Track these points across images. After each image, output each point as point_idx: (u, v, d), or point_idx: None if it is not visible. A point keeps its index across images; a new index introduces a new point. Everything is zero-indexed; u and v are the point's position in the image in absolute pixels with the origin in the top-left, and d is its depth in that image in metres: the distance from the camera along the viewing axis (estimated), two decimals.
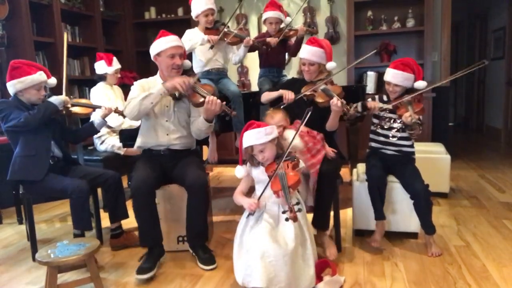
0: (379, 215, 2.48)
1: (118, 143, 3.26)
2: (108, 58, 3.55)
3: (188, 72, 2.59)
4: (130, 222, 2.69)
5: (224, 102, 2.38)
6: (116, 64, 3.59)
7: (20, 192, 2.56)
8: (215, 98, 2.35)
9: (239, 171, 2.09)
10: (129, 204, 2.51)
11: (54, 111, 2.48)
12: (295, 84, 2.67)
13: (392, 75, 2.45)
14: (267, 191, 1.95)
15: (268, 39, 3.14)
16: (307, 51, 2.51)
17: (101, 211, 2.94)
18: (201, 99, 2.40)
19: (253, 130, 1.96)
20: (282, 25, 3.22)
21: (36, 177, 2.43)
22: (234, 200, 2.09)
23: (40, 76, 2.46)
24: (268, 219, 1.95)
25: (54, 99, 2.49)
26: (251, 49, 3.16)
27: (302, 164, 2.02)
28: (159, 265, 2.41)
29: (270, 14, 3.17)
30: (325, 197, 2.38)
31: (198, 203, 2.39)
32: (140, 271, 2.27)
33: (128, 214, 2.69)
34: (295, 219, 1.81)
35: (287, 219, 1.82)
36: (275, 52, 3.23)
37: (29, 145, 2.46)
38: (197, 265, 2.39)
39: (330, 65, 2.53)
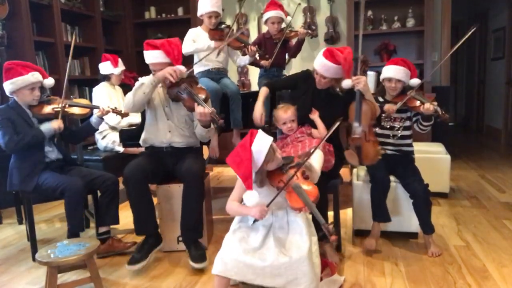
0: (385, 217, 2.47)
1: (119, 140, 3.28)
2: (115, 59, 3.59)
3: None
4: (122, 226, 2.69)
5: (213, 110, 2.33)
6: (122, 65, 3.65)
7: (20, 192, 2.57)
8: (203, 108, 2.30)
9: (253, 196, 1.71)
10: (122, 208, 2.49)
11: (40, 140, 2.46)
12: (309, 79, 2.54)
13: (395, 71, 2.46)
14: (271, 192, 1.77)
15: (261, 63, 3.21)
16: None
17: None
18: (192, 104, 2.37)
19: (260, 141, 1.70)
20: (283, 25, 3.23)
21: (30, 187, 2.44)
22: (229, 210, 1.85)
23: (31, 77, 2.43)
24: (278, 232, 1.81)
25: (44, 128, 2.44)
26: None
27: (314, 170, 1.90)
28: (152, 256, 2.42)
29: (272, 13, 3.18)
30: (321, 211, 2.28)
31: (192, 193, 2.39)
32: (131, 261, 2.29)
33: (118, 221, 2.63)
34: (334, 240, 1.65)
35: (327, 241, 1.73)
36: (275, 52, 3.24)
37: (23, 156, 2.47)
38: (189, 263, 2.34)
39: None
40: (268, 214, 1.75)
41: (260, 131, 1.75)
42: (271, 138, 1.72)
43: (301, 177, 1.76)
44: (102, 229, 2.61)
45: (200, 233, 2.46)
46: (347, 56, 2.28)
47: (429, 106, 2.34)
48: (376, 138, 2.36)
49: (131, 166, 2.38)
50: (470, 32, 2.39)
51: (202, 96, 2.40)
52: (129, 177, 2.35)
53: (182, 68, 2.41)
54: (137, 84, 2.43)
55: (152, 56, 2.42)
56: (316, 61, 2.39)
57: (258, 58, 3.21)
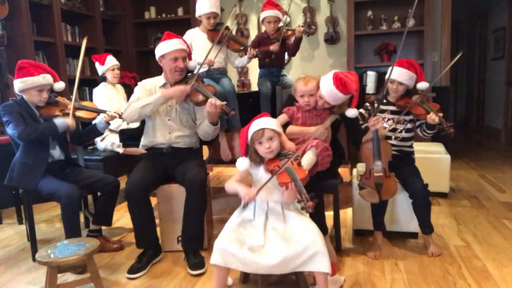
0: (380, 226, 2.49)
1: (118, 141, 3.27)
2: (101, 58, 3.55)
3: (192, 72, 2.60)
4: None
5: (225, 102, 2.41)
6: (110, 61, 3.58)
7: (20, 192, 2.57)
8: (214, 99, 2.38)
9: (243, 162, 1.94)
10: (122, 208, 2.49)
11: (53, 133, 2.45)
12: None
13: (398, 73, 2.40)
14: (269, 185, 1.87)
15: (271, 48, 3.14)
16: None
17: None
18: (202, 98, 2.45)
19: (264, 118, 1.95)
20: (280, 24, 3.23)
21: (31, 184, 2.43)
22: (227, 188, 1.95)
23: (42, 79, 2.43)
24: (277, 225, 1.87)
25: (59, 122, 2.44)
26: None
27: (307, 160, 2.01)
28: (152, 266, 2.42)
29: (268, 13, 3.18)
30: (318, 212, 2.19)
31: (195, 202, 2.38)
32: (131, 270, 2.31)
33: (111, 223, 2.67)
34: (311, 208, 1.72)
35: (303, 209, 1.77)
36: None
37: (28, 152, 2.46)
38: (187, 269, 2.35)
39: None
40: (254, 200, 1.85)
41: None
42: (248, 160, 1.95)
43: (296, 164, 1.91)
44: (94, 227, 2.66)
45: (200, 243, 2.45)
46: (357, 85, 2.20)
47: (434, 117, 2.26)
48: (393, 173, 2.34)
49: (132, 183, 2.37)
50: (457, 57, 2.39)
51: (210, 89, 2.50)
52: (130, 194, 2.36)
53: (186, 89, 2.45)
54: (142, 101, 2.47)
55: (173, 43, 2.46)
56: (324, 88, 2.23)
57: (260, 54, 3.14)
